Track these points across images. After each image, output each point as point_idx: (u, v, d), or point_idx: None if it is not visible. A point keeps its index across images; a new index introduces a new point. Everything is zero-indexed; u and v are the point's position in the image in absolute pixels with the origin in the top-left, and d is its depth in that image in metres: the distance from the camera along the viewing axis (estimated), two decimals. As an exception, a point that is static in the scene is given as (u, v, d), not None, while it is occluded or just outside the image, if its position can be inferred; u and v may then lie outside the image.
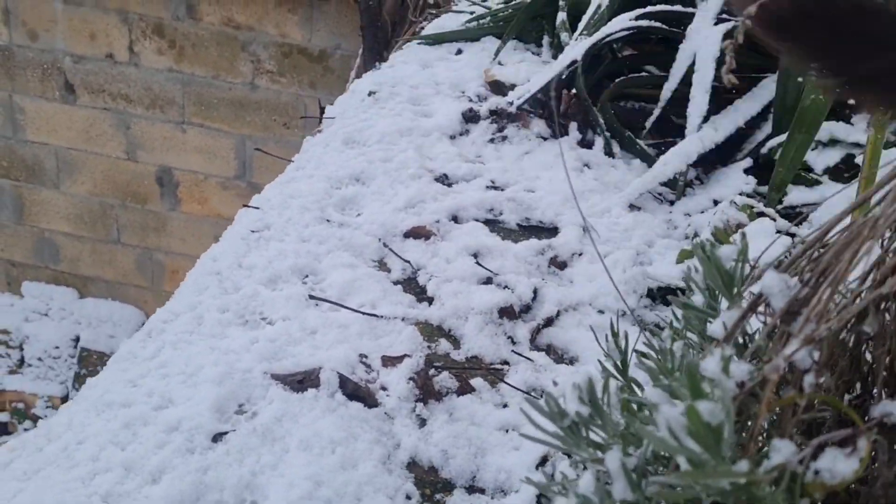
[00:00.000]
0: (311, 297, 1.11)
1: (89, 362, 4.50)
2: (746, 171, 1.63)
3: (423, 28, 2.66)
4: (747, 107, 1.73)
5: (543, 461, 0.86)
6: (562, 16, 2.13)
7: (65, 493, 0.79)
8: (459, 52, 2.24)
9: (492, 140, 1.72)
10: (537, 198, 1.49)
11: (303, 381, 0.93)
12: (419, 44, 2.30)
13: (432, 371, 0.99)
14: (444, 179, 1.55)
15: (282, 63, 4.18)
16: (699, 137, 1.62)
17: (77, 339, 4.61)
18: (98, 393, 0.96)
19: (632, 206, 1.53)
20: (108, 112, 4.39)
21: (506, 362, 1.06)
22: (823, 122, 1.50)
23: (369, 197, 1.46)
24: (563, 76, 1.85)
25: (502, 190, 1.51)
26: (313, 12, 4.05)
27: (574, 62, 1.82)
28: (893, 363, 0.44)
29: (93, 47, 4.27)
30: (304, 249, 1.27)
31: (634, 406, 0.50)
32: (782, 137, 1.54)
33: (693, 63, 1.75)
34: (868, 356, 0.47)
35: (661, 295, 1.23)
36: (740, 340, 0.48)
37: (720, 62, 1.71)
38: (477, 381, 1.00)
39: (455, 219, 1.40)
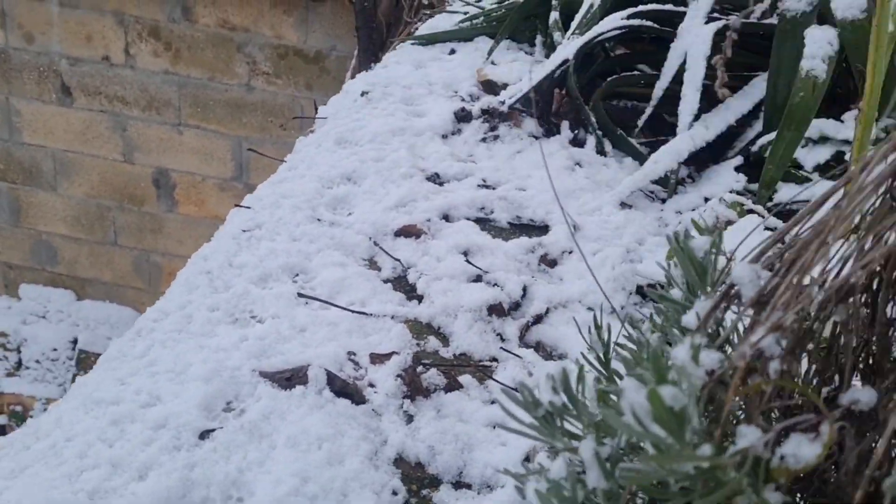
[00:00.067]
0: (301, 295, 1.12)
1: (87, 364, 4.50)
2: (737, 169, 1.64)
3: (417, 29, 2.66)
4: (738, 105, 1.74)
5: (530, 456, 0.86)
6: (554, 15, 2.13)
7: (51, 490, 0.79)
8: (453, 52, 2.24)
9: (484, 139, 1.72)
10: (528, 196, 1.50)
11: (291, 379, 0.94)
12: (412, 44, 2.30)
13: (420, 368, 1.00)
14: (435, 178, 1.55)
15: (277, 64, 4.18)
16: (690, 136, 1.63)
17: (75, 342, 4.62)
18: (87, 391, 0.96)
19: (623, 205, 1.53)
20: (104, 114, 4.40)
21: (494, 359, 1.06)
22: (813, 119, 1.51)
23: (361, 196, 1.47)
24: (556, 75, 1.86)
25: (494, 189, 1.52)
26: (308, 14, 4.06)
27: (566, 61, 1.83)
28: (863, 351, 0.44)
29: (89, 49, 4.28)
30: (294, 248, 1.28)
31: (613, 397, 0.51)
32: (773, 135, 1.54)
33: (684, 62, 1.76)
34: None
35: (650, 292, 1.23)
36: (714, 330, 0.48)
37: (709, 61, 1.71)
38: (465, 378, 1.01)
39: (446, 217, 1.41)
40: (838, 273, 0.42)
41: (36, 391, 4.44)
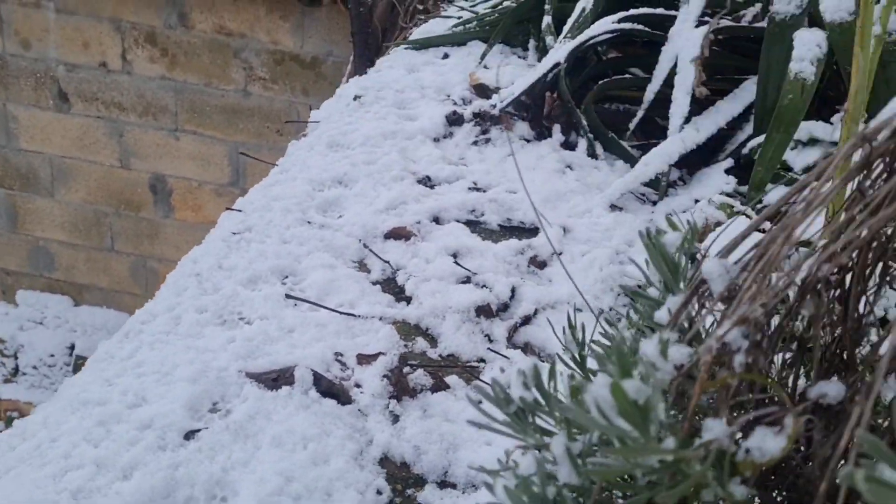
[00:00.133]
0: (288, 296, 1.12)
1: (83, 370, 4.49)
2: (728, 171, 1.64)
3: (412, 34, 2.67)
4: (729, 107, 1.74)
5: (515, 456, 0.86)
6: (547, 19, 2.14)
7: (35, 490, 0.79)
8: (446, 56, 2.25)
9: (475, 142, 1.72)
10: (519, 199, 1.50)
11: (277, 379, 0.94)
12: (406, 48, 2.31)
13: (407, 369, 1.00)
14: (426, 181, 1.55)
15: (274, 70, 4.19)
16: (681, 138, 1.63)
17: (72, 347, 4.61)
18: (74, 392, 0.96)
19: (613, 207, 1.54)
20: (101, 120, 4.40)
21: (482, 360, 1.07)
22: (802, 121, 1.51)
23: (351, 199, 1.47)
24: (548, 79, 1.86)
25: (484, 191, 1.52)
26: (304, 19, 4.07)
27: (557, 64, 1.83)
28: (835, 346, 0.44)
29: (86, 56, 4.29)
30: (284, 251, 1.28)
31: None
32: (762, 138, 1.55)
33: (675, 65, 1.76)
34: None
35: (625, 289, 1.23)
36: (687, 326, 0.48)
37: (702, 63, 1.72)
38: (452, 379, 1.01)
39: (437, 220, 1.41)
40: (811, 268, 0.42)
41: (33, 397, 4.43)
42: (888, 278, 0.45)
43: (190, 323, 1.08)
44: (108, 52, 4.26)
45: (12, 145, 4.52)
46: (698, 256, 0.51)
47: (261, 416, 0.90)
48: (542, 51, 2.11)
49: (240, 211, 1.41)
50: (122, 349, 1.04)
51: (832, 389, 0.40)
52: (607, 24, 1.90)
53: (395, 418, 0.94)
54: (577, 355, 0.60)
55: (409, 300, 1.18)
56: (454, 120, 1.77)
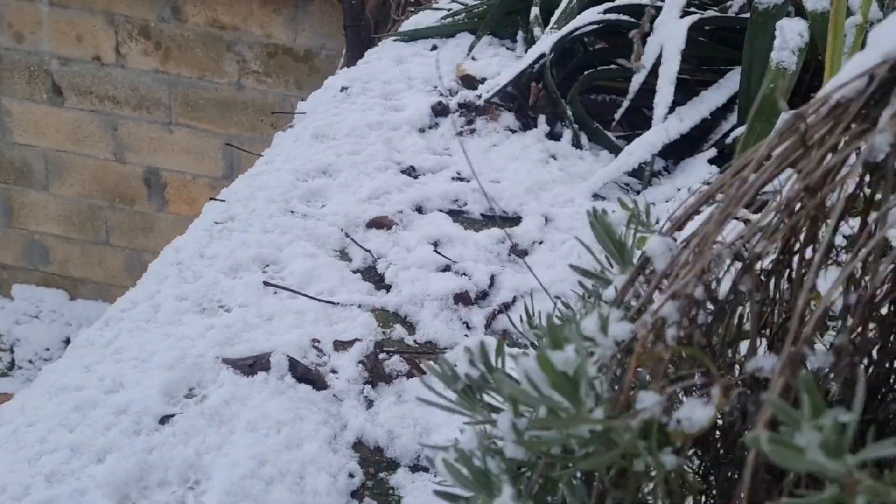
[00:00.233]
0: (267, 283, 1.13)
1: (79, 364, 4.50)
2: (711, 161, 1.65)
3: (402, 26, 2.67)
4: (713, 97, 1.75)
5: (487, 440, 0.87)
6: (535, 11, 2.14)
7: (9, 473, 0.80)
8: (435, 48, 2.25)
9: (460, 133, 1.73)
10: (502, 188, 1.51)
11: (253, 365, 0.95)
12: (395, 40, 2.31)
13: (383, 355, 1.00)
14: (410, 171, 1.56)
15: (267, 63, 4.19)
16: (664, 128, 1.64)
17: (68, 341, 4.62)
18: (53, 378, 0.97)
19: (596, 196, 1.54)
20: (95, 114, 4.40)
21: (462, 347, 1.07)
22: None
23: (335, 189, 1.48)
24: (534, 69, 1.87)
25: (468, 181, 1.53)
26: (297, 12, 4.07)
27: (543, 55, 1.84)
28: (768, 320, 0.45)
29: (79, 49, 4.29)
30: (266, 240, 1.28)
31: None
32: (746, 127, 1.55)
33: (660, 55, 1.77)
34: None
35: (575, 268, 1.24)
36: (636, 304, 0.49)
37: (686, 54, 1.73)
38: (428, 365, 1.01)
39: (419, 209, 1.42)
40: (746, 243, 0.43)
41: (27, 390, 4.44)
42: (828, 256, 0.45)
43: (169, 311, 1.09)
44: (102, 46, 4.26)
45: (6, 139, 4.51)
46: (650, 235, 0.52)
47: (236, 401, 0.91)
48: (530, 42, 2.11)
49: (223, 201, 1.42)
50: (101, 336, 1.05)
51: (767, 363, 0.41)
52: (593, 14, 1.90)
53: (370, 403, 0.94)
54: (535, 342, 0.61)
55: (388, 288, 1.18)
56: (440, 111, 1.78)
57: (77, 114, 4.39)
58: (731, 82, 1.77)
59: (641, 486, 0.40)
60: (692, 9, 1.90)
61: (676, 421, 0.38)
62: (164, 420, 0.89)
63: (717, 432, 0.43)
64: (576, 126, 1.75)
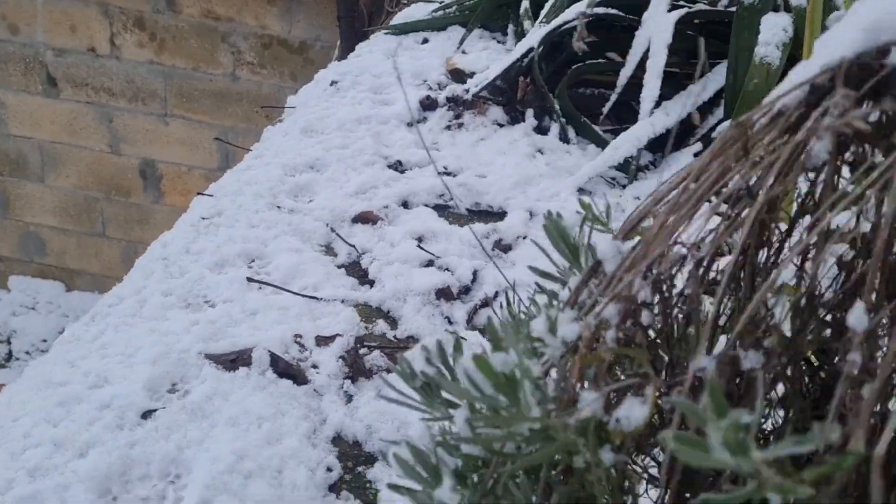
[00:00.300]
0: (250, 279, 1.14)
1: (76, 355, 4.52)
2: (697, 155, 1.66)
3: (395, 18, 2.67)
4: (700, 92, 1.76)
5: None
6: (525, 4, 2.15)
7: (-7, 467, 0.82)
8: (425, 41, 2.26)
9: (448, 127, 1.74)
10: (488, 183, 1.52)
11: (235, 361, 0.96)
12: (386, 33, 2.32)
13: (364, 350, 1.02)
14: (397, 166, 1.57)
15: (262, 55, 4.19)
16: (650, 122, 1.65)
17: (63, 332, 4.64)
18: (39, 373, 0.98)
19: (581, 190, 1.56)
20: (90, 105, 4.41)
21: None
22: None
23: (323, 183, 1.49)
24: (523, 63, 1.88)
25: (454, 176, 1.54)
26: (292, 4, 4.07)
27: (531, 49, 1.85)
28: (717, 321, 0.47)
29: (74, 40, 4.29)
30: (252, 235, 1.30)
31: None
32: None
33: (648, 49, 1.78)
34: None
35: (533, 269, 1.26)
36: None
37: (673, 49, 1.74)
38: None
39: (405, 204, 1.43)
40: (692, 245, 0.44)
41: (25, 381, 4.46)
42: (770, 261, 0.47)
43: (155, 306, 1.11)
44: (97, 37, 4.26)
45: (1, 131, 4.52)
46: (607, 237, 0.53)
47: (218, 396, 0.93)
48: (521, 35, 2.12)
49: (211, 196, 1.43)
50: (87, 332, 1.07)
51: (711, 363, 0.42)
52: (581, 8, 1.91)
53: (349, 398, 0.96)
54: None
55: (372, 283, 1.20)
56: (428, 105, 1.79)
57: (72, 105, 4.39)
58: (718, 76, 1.78)
59: (586, 482, 0.41)
60: (681, 2, 1.91)
61: (616, 419, 0.39)
62: (147, 415, 0.90)
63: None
64: (563, 120, 1.76)
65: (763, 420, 0.49)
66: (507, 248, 1.33)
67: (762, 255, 0.50)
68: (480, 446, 0.41)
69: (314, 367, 0.99)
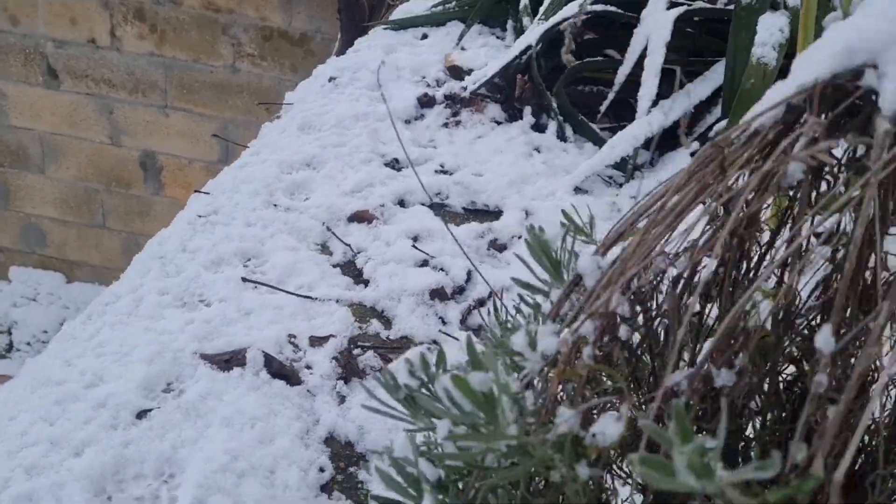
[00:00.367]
0: (245, 279, 1.15)
1: (77, 346, 4.53)
2: (693, 155, 1.66)
3: (395, 13, 2.67)
4: (698, 90, 1.76)
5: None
6: (524, 0, 2.15)
7: (-10, 466, 0.83)
8: (425, 36, 2.26)
9: (445, 125, 1.75)
10: (485, 182, 1.52)
11: (229, 361, 0.97)
12: (385, 29, 2.32)
13: (357, 350, 1.03)
14: (394, 164, 1.58)
15: (262, 46, 4.19)
16: (647, 121, 1.65)
17: (64, 324, 4.65)
18: (35, 371, 1.00)
19: (578, 189, 1.56)
20: (91, 97, 4.41)
21: (434, 342, 1.10)
22: (765, 105, 1.53)
23: (319, 181, 1.50)
24: (522, 61, 1.88)
25: (451, 174, 1.55)
26: (292, -4, 4.06)
27: (530, 47, 1.85)
28: (695, 338, 0.47)
29: (74, 32, 4.28)
30: (249, 233, 1.31)
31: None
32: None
33: (647, 47, 1.78)
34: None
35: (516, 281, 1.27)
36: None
37: (671, 46, 1.74)
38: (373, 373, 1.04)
39: (401, 203, 1.44)
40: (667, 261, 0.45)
41: (26, 372, 4.48)
42: (750, 273, 0.48)
43: (151, 304, 1.12)
44: (97, 29, 4.25)
45: (2, 122, 4.52)
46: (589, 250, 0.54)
47: (212, 396, 0.94)
48: (520, 31, 2.12)
49: (208, 193, 1.44)
50: (84, 330, 1.08)
51: (685, 379, 0.43)
52: (579, 4, 1.91)
53: (342, 399, 0.97)
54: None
55: (367, 283, 1.21)
56: (426, 102, 1.79)
57: (73, 97, 4.39)
58: (716, 74, 1.78)
59: (563, 496, 0.42)
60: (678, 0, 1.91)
61: (592, 435, 0.40)
62: (142, 414, 0.91)
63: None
64: (561, 118, 1.77)
65: (743, 428, 0.50)
66: (502, 248, 1.34)
67: (742, 267, 0.51)
68: (461, 460, 0.42)
69: (308, 367, 1.00)
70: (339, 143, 1.63)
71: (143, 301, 1.12)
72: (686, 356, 0.52)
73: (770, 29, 1.52)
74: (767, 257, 0.53)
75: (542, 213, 1.44)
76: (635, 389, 0.51)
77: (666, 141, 1.73)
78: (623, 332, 0.44)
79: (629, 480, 0.52)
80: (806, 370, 0.50)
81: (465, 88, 1.82)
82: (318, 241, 1.31)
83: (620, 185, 1.64)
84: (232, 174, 1.53)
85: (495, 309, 0.65)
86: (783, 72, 1.55)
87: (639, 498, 0.50)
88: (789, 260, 0.44)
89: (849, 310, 0.44)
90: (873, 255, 0.44)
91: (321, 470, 0.87)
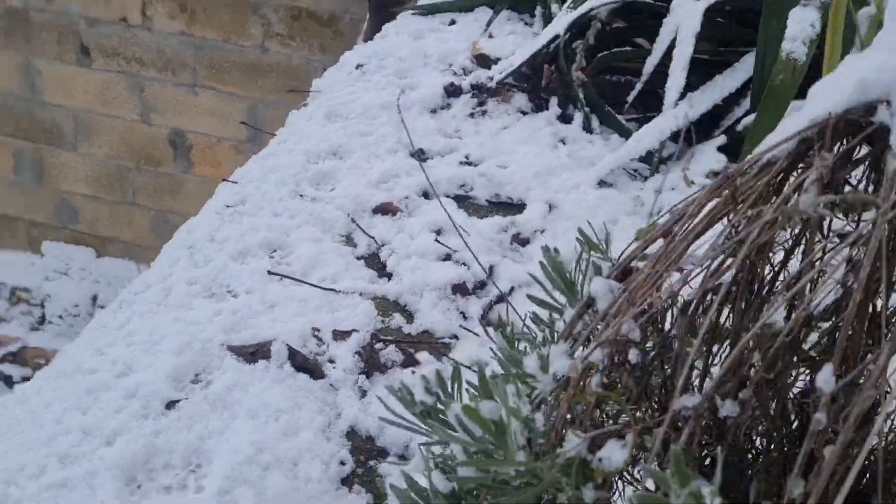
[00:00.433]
0: (270, 272, 1.17)
1: (108, 320, 4.63)
2: (720, 148, 1.65)
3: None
4: (727, 83, 1.75)
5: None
6: (553, -14, 2.13)
7: (27, 452, 0.86)
8: (453, 22, 2.26)
9: (472, 115, 1.75)
10: (509, 173, 1.53)
11: (255, 353, 1.00)
12: (413, 14, 2.32)
13: (379, 345, 1.05)
14: (420, 154, 1.59)
15: (291, 26, 4.20)
16: (674, 114, 1.65)
17: (95, 298, 4.75)
18: (68, 360, 1.03)
19: (603, 183, 1.56)
20: (122, 75, 4.45)
21: (455, 336, 1.12)
22: (794, 100, 1.52)
23: (345, 171, 1.51)
24: (549, 49, 1.88)
25: (475, 165, 1.56)
26: (321, -24, 4.06)
27: (557, 36, 1.84)
28: (704, 362, 0.49)
29: (106, 11, 4.33)
30: (276, 224, 1.33)
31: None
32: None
33: (675, 38, 1.76)
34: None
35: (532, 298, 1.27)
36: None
37: (700, 37, 1.72)
38: (423, 355, 1.06)
39: (426, 194, 1.45)
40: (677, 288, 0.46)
41: (59, 345, 4.58)
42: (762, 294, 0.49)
43: (180, 294, 1.14)
44: (129, 7, 4.29)
45: (37, 98, 4.59)
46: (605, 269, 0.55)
47: (238, 388, 0.96)
48: (548, 18, 2.11)
49: (235, 182, 1.46)
50: (115, 319, 1.11)
51: (691, 401, 0.44)
52: (608, -6, 1.89)
53: (364, 393, 1.00)
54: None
55: (390, 276, 1.23)
56: (452, 91, 1.80)
57: (104, 75, 4.44)
58: (746, 66, 1.77)
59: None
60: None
61: (598, 459, 0.42)
62: (171, 405, 0.94)
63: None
64: (587, 109, 1.76)
65: (748, 451, 0.51)
66: (524, 242, 1.35)
67: (755, 288, 0.52)
68: (474, 482, 0.44)
69: (331, 361, 1.03)
70: (365, 131, 1.64)
71: (173, 291, 1.15)
72: (699, 364, 0.53)
73: (801, 23, 1.50)
74: (781, 275, 0.53)
75: (565, 207, 1.45)
76: (645, 401, 0.52)
77: (696, 132, 1.72)
78: (633, 355, 0.45)
79: (638, 487, 0.53)
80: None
81: (491, 78, 1.82)
82: (342, 233, 1.33)
83: (645, 179, 1.63)
84: (259, 163, 1.55)
85: (502, 326, 0.67)
86: (813, 67, 1.54)
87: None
88: (797, 291, 0.45)
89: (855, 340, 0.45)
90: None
91: (342, 463, 0.90)
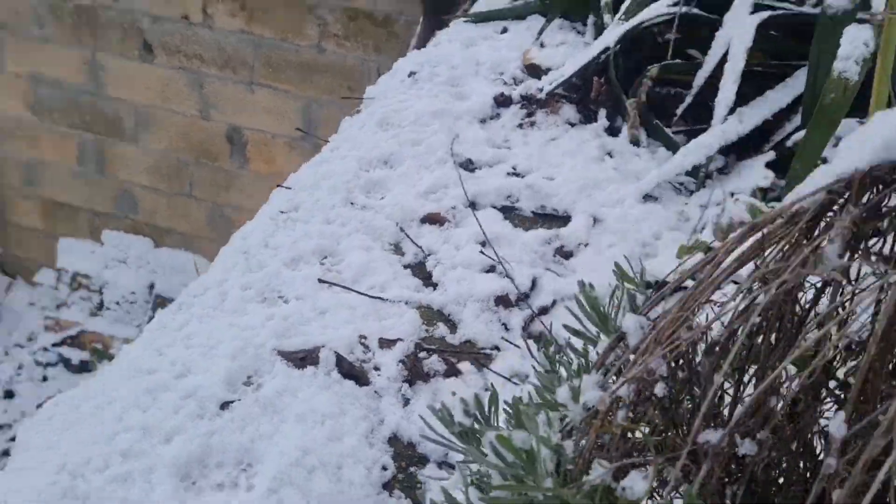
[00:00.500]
0: (321, 280, 1.22)
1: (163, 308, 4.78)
2: (769, 164, 1.65)
3: (474, 5, 2.69)
4: (778, 97, 1.74)
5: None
6: (606, -3, 2.14)
7: (91, 446, 0.92)
8: (505, 30, 2.28)
9: (520, 125, 1.78)
10: (555, 185, 1.55)
11: (304, 359, 1.05)
12: (465, 21, 2.35)
13: (423, 354, 1.09)
14: (468, 164, 1.62)
15: (347, 27, 4.27)
16: (722, 129, 1.65)
17: (152, 287, 4.90)
18: (129, 359, 1.09)
19: (648, 197, 1.57)
20: (182, 72, 4.58)
21: (496, 348, 1.15)
22: (845, 118, 1.51)
23: (395, 180, 1.55)
24: (600, 61, 1.89)
25: (522, 177, 1.58)
26: (377, -23, 4.12)
27: (608, 48, 1.86)
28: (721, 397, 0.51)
29: (169, 8, 4.45)
30: (327, 231, 1.37)
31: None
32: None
33: (727, 52, 1.76)
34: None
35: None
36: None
37: (752, 51, 1.72)
38: (465, 365, 1.10)
39: (473, 205, 1.48)
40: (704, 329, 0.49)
41: (115, 331, 4.76)
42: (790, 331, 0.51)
43: (235, 299, 1.20)
44: (190, 6, 4.41)
45: (101, 93, 4.76)
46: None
47: (288, 392, 1.01)
48: (600, 28, 2.12)
49: (289, 188, 1.52)
50: (174, 320, 1.17)
51: (714, 437, 0.47)
52: (661, 7, 1.90)
53: (406, 401, 1.03)
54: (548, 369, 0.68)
55: (435, 286, 1.26)
56: (502, 101, 1.83)
57: (166, 71, 4.57)
58: (798, 81, 1.76)
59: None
60: (766, 2, 1.87)
61: (622, 488, 0.45)
62: (225, 406, 1.00)
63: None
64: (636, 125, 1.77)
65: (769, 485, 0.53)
66: (568, 255, 1.37)
67: (783, 326, 0.54)
68: (508, 494, 0.47)
69: (376, 368, 1.07)
70: (416, 140, 1.68)
71: (228, 295, 1.20)
72: (730, 388, 0.55)
73: (854, 42, 1.49)
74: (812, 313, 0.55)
75: (609, 221, 1.47)
76: (672, 429, 0.55)
77: (742, 147, 1.72)
78: (659, 389, 0.48)
79: None
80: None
81: (541, 90, 1.84)
82: (391, 241, 1.38)
83: (691, 193, 1.64)
84: (312, 169, 1.60)
85: (545, 345, 0.70)
86: (865, 86, 1.52)
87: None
88: (821, 335, 0.47)
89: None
90: None
91: (384, 468, 0.94)
